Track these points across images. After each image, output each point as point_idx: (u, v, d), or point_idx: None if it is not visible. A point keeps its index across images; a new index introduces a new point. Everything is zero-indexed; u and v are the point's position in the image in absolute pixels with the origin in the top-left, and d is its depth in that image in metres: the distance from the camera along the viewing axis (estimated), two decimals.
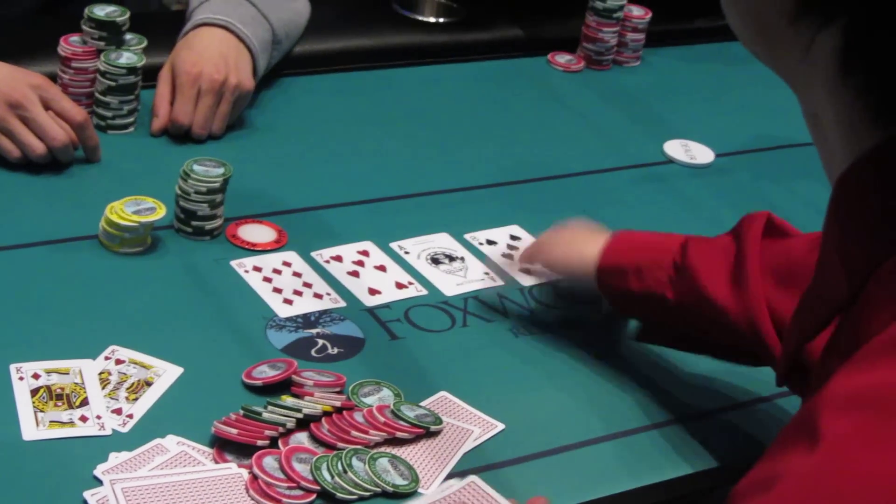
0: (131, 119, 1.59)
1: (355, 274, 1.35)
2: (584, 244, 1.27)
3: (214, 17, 1.66)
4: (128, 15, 1.59)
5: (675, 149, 1.68)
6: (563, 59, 1.89)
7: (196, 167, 1.33)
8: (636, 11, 1.90)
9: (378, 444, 1.04)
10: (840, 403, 0.61)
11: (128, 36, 1.60)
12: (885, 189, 0.65)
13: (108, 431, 1.02)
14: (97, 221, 1.30)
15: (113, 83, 1.53)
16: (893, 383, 0.59)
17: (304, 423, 1.05)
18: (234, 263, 1.32)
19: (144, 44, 1.60)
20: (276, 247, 1.35)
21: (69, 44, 1.55)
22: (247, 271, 1.31)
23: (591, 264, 1.19)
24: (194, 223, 1.32)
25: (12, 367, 1.08)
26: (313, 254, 1.36)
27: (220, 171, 1.33)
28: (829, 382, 0.63)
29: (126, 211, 1.29)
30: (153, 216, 1.30)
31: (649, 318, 1.22)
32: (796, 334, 0.77)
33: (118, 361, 1.11)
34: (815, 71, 0.66)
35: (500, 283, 1.34)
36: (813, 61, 0.66)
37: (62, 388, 1.06)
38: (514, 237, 1.42)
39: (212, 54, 1.62)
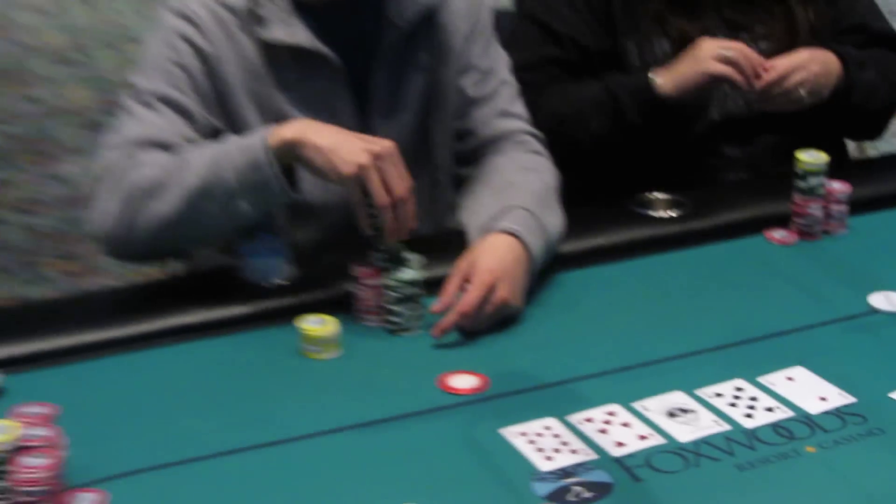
0: (417, 323, 1.78)
1: (604, 431, 1.51)
2: None
3: (532, 239, 1.83)
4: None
5: (881, 300, 1.81)
6: (777, 234, 2.05)
7: None
8: (837, 186, 2.05)
9: None
10: None
11: (408, 256, 1.78)
12: None
13: None
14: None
15: (398, 295, 1.75)
16: None
17: None
18: (502, 431, 1.51)
19: (423, 262, 1.79)
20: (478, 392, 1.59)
21: (359, 265, 1.79)
22: (515, 436, 1.49)
23: None
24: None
25: None
26: (568, 417, 1.54)
27: None
28: None
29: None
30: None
31: None
32: None
33: None
34: None
35: (726, 427, 1.49)
36: None
37: None
38: (738, 388, 1.58)
39: (517, 276, 1.79)
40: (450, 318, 1.73)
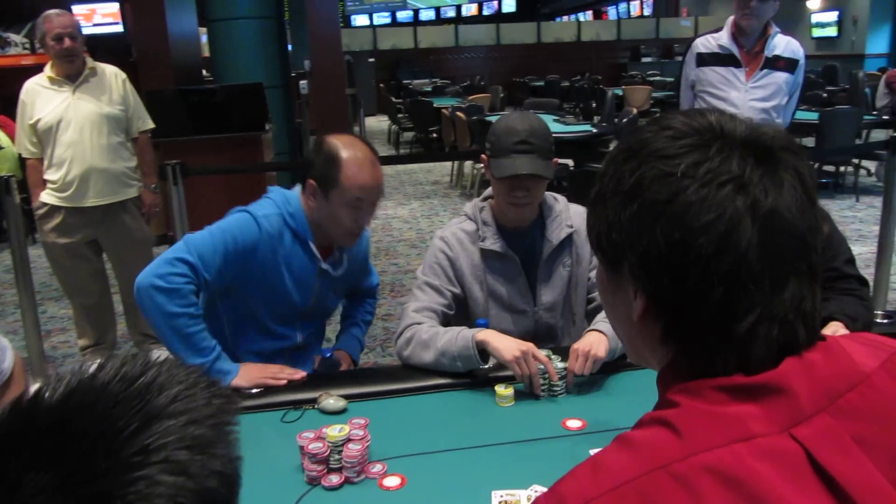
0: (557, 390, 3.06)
1: None
2: None
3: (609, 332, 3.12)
4: None
5: None
6: None
7: None
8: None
9: None
10: None
11: (555, 356, 3.11)
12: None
13: None
14: None
15: (559, 374, 3.06)
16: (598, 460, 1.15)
17: None
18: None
19: (562, 358, 3.13)
20: None
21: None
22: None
23: None
24: None
25: None
26: None
27: None
28: None
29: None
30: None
31: None
32: None
33: None
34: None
35: None
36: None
37: None
38: None
39: (604, 347, 3.09)
40: (581, 364, 3.08)
